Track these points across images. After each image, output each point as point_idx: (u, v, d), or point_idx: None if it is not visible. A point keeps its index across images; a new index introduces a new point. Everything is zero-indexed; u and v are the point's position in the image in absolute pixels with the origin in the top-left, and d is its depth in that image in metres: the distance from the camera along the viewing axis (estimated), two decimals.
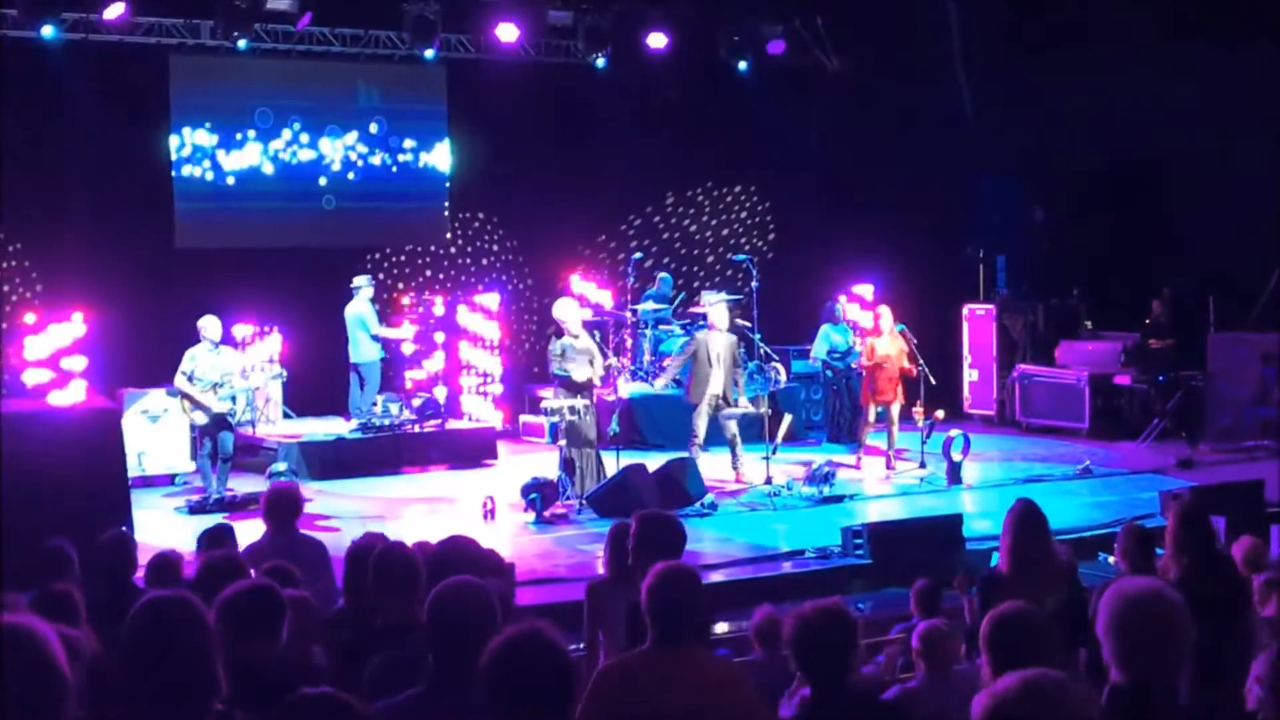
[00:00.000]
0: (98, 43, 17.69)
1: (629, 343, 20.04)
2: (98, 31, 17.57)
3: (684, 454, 15.46)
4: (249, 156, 19.47)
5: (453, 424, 18.19)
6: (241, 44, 18.01)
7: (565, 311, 15.23)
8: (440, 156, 20.85)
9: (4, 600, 5.46)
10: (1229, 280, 18.52)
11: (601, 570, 8.40)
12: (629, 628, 6.34)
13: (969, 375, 20.79)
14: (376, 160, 20.41)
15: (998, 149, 20.58)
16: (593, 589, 7.53)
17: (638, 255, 20.54)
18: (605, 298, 20.25)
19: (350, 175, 20.22)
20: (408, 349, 18.81)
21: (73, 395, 14.52)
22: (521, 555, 12.26)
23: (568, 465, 14.80)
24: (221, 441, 14.94)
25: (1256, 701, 4.72)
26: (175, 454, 16.50)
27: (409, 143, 20.63)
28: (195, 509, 14.55)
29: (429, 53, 19.13)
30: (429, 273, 21.05)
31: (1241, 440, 17.70)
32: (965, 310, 20.81)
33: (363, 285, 17.97)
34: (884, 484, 16.03)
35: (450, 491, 16.05)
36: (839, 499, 14.93)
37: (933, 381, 16.89)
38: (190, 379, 14.78)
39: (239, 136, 19.38)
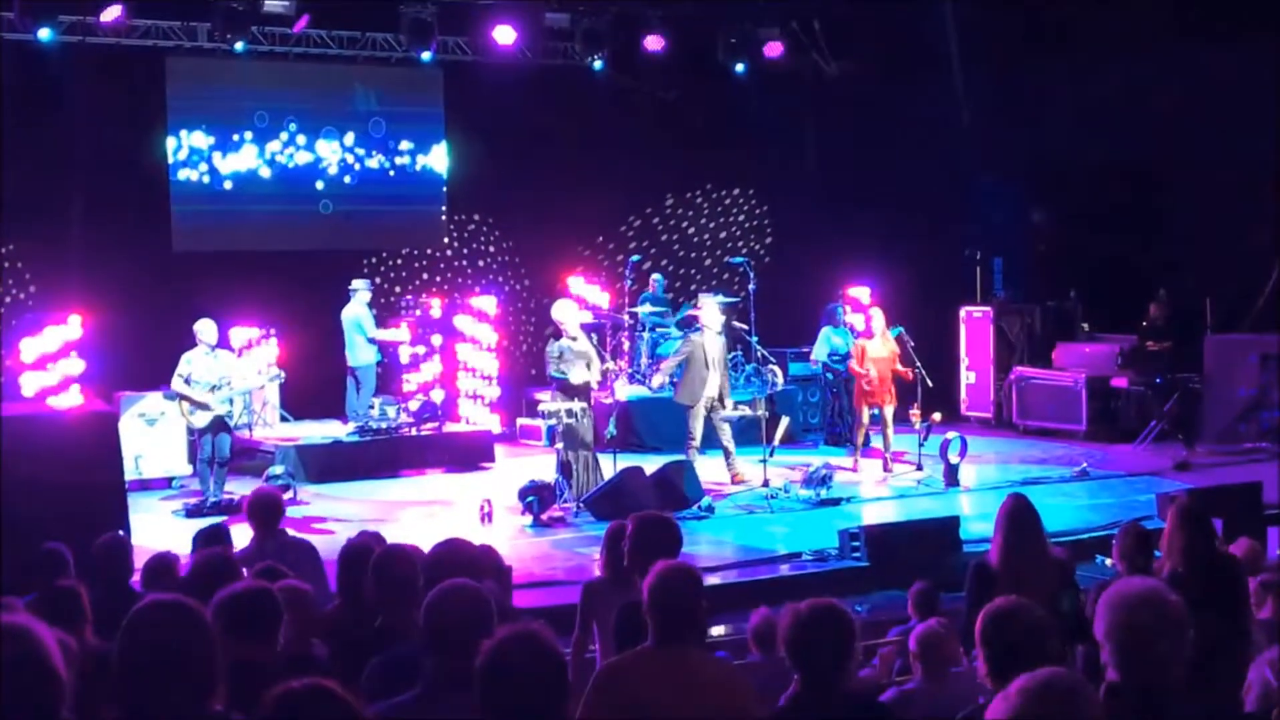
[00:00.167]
0: (95, 45, 17.69)
1: (626, 345, 20.03)
2: (95, 34, 17.57)
3: (681, 457, 15.46)
4: (246, 159, 19.47)
5: (450, 427, 18.19)
6: (238, 46, 18.01)
7: (564, 313, 15.23)
8: (437, 159, 20.85)
9: (1, 602, 5.45)
10: (1226, 282, 18.52)
11: (598, 572, 8.39)
12: (620, 628, 6.34)
13: (966, 377, 20.79)
14: (373, 163, 20.42)
15: (995, 151, 20.59)
16: (588, 589, 7.53)
17: (635, 258, 20.54)
18: (604, 299, 20.25)
19: (347, 178, 20.22)
20: (404, 354, 18.81)
21: (69, 398, 14.54)
22: (519, 558, 12.23)
23: (565, 468, 14.80)
24: (219, 444, 14.92)
25: (1255, 703, 4.71)
26: (172, 457, 16.49)
27: (406, 145, 20.64)
28: (192, 512, 14.53)
29: (426, 55, 19.14)
30: (425, 276, 21.04)
31: (1239, 442, 17.70)
32: (962, 312, 20.81)
33: (360, 288, 17.96)
34: (881, 486, 16.02)
35: (447, 494, 16.04)
36: (836, 501, 14.93)
37: (930, 384, 16.89)
38: (187, 382, 14.78)
39: (236, 138, 19.38)
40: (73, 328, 15.62)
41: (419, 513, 15.06)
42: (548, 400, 15.45)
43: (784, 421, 16.35)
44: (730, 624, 9.88)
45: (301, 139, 19.84)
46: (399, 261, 20.92)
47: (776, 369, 18.69)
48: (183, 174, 19.07)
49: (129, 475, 14.06)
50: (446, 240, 21.26)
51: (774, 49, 20.74)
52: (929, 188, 21.09)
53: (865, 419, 16.71)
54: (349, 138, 20.21)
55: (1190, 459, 16.89)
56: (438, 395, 18.43)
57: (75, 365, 15.78)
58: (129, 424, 15.69)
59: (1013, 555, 7.26)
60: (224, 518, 13.71)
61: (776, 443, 15.92)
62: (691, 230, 23.17)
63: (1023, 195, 21.82)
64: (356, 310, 17.75)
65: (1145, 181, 20.46)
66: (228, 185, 19.33)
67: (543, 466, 15.59)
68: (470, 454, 17.73)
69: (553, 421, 14.91)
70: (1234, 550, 8.28)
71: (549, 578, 11.93)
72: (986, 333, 20.56)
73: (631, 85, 20.75)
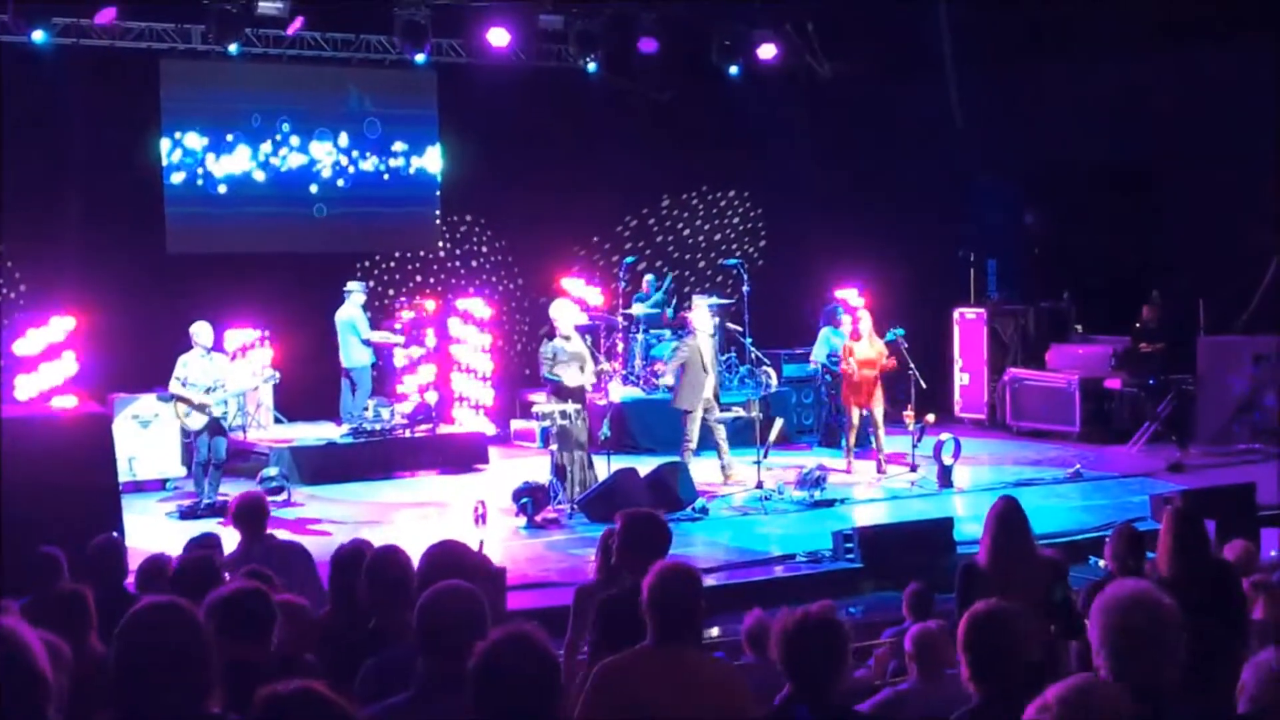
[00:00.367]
0: (89, 47, 17.68)
1: (620, 347, 20.04)
2: (89, 36, 17.56)
3: (675, 458, 15.47)
4: (240, 161, 19.46)
5: (444, 429, 18.18)
6: (232, 48, 17.97)
7: (559, 312, 15.24)
8: (431, 161, 20.85)
9: None
10: (1219, 284, 18.54)
11: (592, 574, 8.38)
12: (599, 623, 6.36)
13: (960, 379, 20.81)
14: (367, 165, 20.41)
15: (989, 153, 20.61)
16: (582, 591, 7.53)
17: (630, 259, 20.55)
18: (599, 299, 20.26)
19: (341, 180, 20.22)
20: (399, 358, 18.79)
21: (63, 400, 14.52)
22: (513, 560, 12.25)
23: (559, 470, 14.80)
24: (215, 446, 14.93)
25: (1248, 704, 4.71)
26: (166, 459, 16.49)
27: (400, 147, 20.63)
28: (186, 514, 14.54)
29: (420, 57, 19.11)
30: (418, 278, 21.03)
31: (1232, 444, 17.73)
32: (956, 314, 20.82)
33: (355, 290, 17.95)
34: (875, 488, 16.02)
35: (441, 496, 16.05)
36: (830, 503, 14.94)
37: (924, 385, 16.91)
38: (183, 385, 14.79)
39: (230, 140, 19.37)
40: (56, 330, 15.60)
41: (413, 514, 15.06)
42: (542, 402, 15.46)
43: (778, 423, 16.35)
44: (724, 625, 9.88)
45: (295, 140, 19.83)
46: (391, 265, 20.91)
47: (770, 370, 18.68)
48: (176, 176, 19.06)
49: (122, 477, 14.06)
50: (441, 243, 21.25)
51: (768, 51, 20.74)
52: (923, 189, 21.13)
53: (855, 420, 16.73)
54: (343, 140, 20.21)
55: (1183, 460, 16.91)
56: (431, 397, 18.42)
57: (67, 367, 15.76)
58: (123, 426, 15.68)
59: (1001, 557, 7.27)
60: (219, 519, 13.78)
61: (771, 443, 15.92)
62: (687, 232, 23.19)
63: (1017, 197, 21.84)
64: (351, 312, 17.75)
65: (1139, 183, 20.50)
66: (222, 188, 19.32)
67: (537, 468, 15.59)
68: (464, 455, 17.73)
69: (547, 423, 14.91)
70: (1228, 551, 8.31)
71: (543, 579, 11.93)
72: (980, 334, 20.57)
73: (626, 87, 20.75)
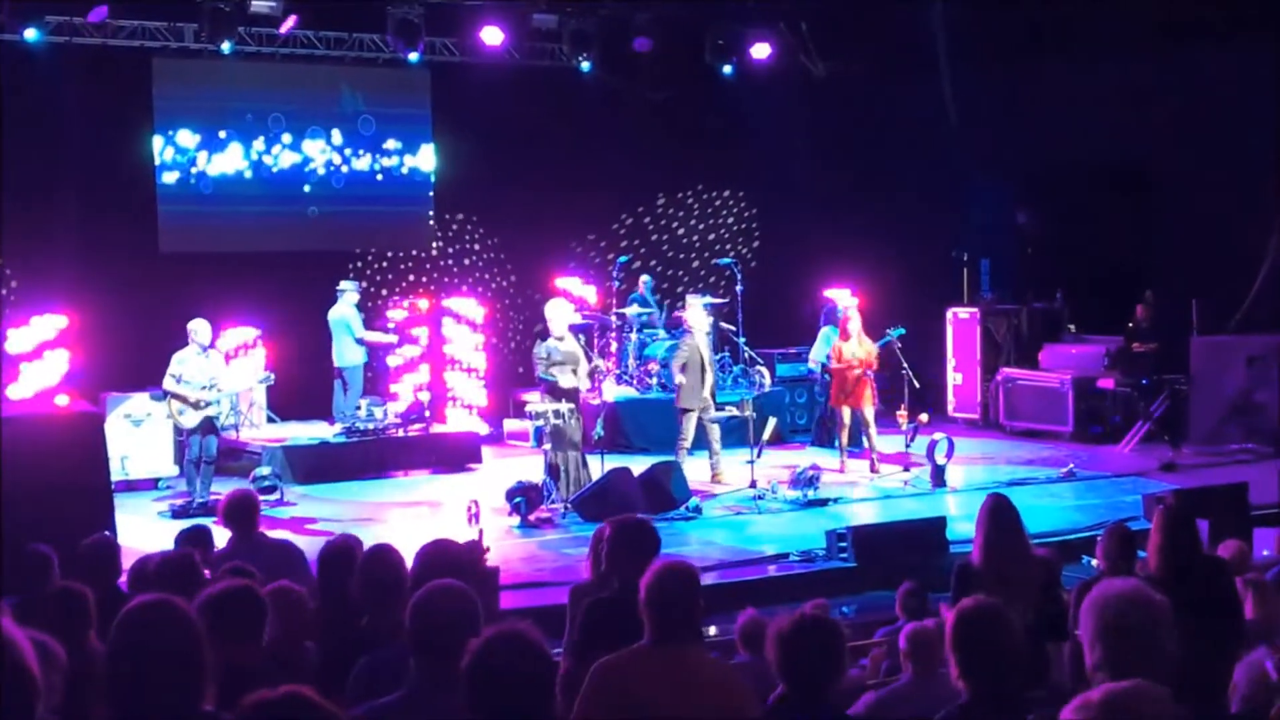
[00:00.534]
0: (81, 46, 17.66)
1: (614, 346, 20.04)
2: (81, 34, 17.54)
3: (669, 458, 15.46)
4: (232, 160, 19.44)
5: (437, 428, 18.17)
6: (225, 47, 17.95)
7: (554, 313, 15.23)
8: (425, 160, 20.85)
9: None
10: (1212, 284, 18.55)
11: (587, 574, 8.38)
12: (585, 625, 6.38)
13: (953, 378, 20.80)
14: (360, 164, 20.40)
15: (982, 153, 20.61)
16: (576, 592, 7.52)
17: (623, 259, 20.55)
18: (589, 293, 20.26)
19: (334, 179, 20.20)
20: (392, 361, 18.78)
21: (55, 399, 14.50)
22: (506, 559, 12.24)
23: (552, 469, 14.79)
24: (206, 445, 14.92)
25: (1240, 704, 4.72)
26: (158, 458, 16.47)
27: (393, 146, 20.63)
28: (179, 513, 14.51)
29: (413, 56, 19.09)
30: (411, 277, 21.02)
31: (1225, 444, 17.74)
32: (949, 313, 20.82)
33: (348, 289, 17.94)
34: (868, 487, 16.03)
35: (435, 495, 16.03)
36: (823, 502, 14.94)
37: (917, 385, 16.92)
38: (179, 382, 14.78)
39: (222, 138, 19.34)
40: (40, 329, 15.59)
41: (406, 514, 15.05)
42: (535, 401, 15.45)
43: (771, 422, 16.37)
44: (718, 625, 9.88)
45: (288, 139, 19.81)
46: (384, 265, 20.89)
47: (764, 370, 18.71)
48: (169, 175, 19.04)
49: (115, 476, 14.03)
50: (435, 242, 21.24)
51: (762, 50, 20.74)
52: (916, 189, 21.14)
53: (846, 419, 16.73)
54: (336, 138, 20.19)
55: (1176, 460, 16.92)
56: (424, 395, 18.41)
57: (56, 366, 15.75)
58: (115, 425, 15.66)
59: (995, 554, 7.28)
60: (211, 518, 13.76)
61: (765, 441, 15.93)
62: (681, 231, 23.21)
63: (1010, 196, 21.85)
64: (344, 311, 17.74)
65: (1132, 183, 20.51)
66: (214, 186, 19.30)
67: (530, 467, 15.59)
68: (457, 455, 17.71)
69: (540, 423, 14.90)
70: (1221, 551, 8.31)
71: (536, 578, 11.92)
72: (973, 334, 20.57)
73: (620, 86, 20.74)
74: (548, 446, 14.84)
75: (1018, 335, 20.57)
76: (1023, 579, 7.22)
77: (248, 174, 19.55)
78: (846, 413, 16.67)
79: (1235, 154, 18.56)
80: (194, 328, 15.04)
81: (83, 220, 17.87)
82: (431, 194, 21.03)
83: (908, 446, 16.51)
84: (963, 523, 12.92)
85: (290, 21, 18.29)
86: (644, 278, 20.78)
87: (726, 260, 19.94)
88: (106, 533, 9.76)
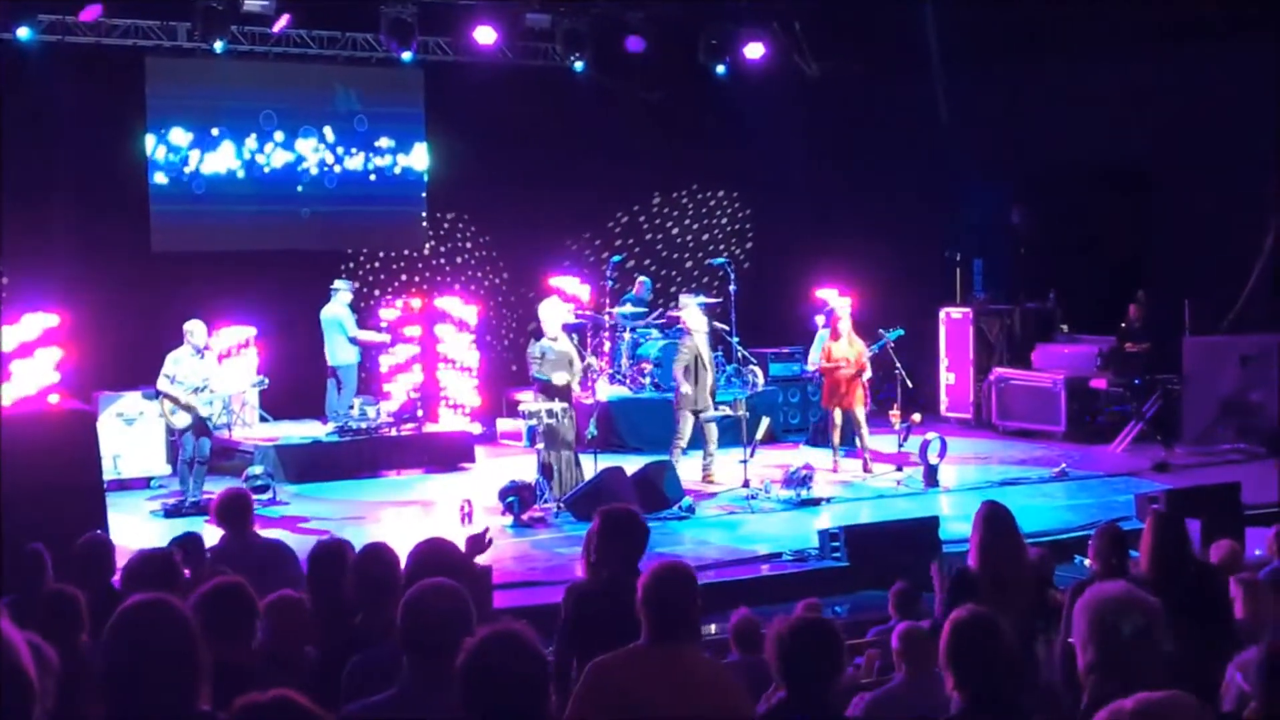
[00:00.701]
0: (74, 45, 17.64)
1: (607, 346, 20.04)
2: (74, 33, 17.52)
3: (662, 457, 15.47)
4: (225, 159, 19.41)
5: (430, 427, 18.16)
6: (218, 46, 17.93)
7: (547, 312, 15.23)
8: (418, 159, 20.83)
9: None
10: (1205, 284, 18.58)
11: (580, 573, 8.38)
12: (572, 615, 6.40)
13: (946, 378, 20.83)
14: (354, 163, 20.37)
15: (975, 153, 20.62)
16: (571, 591, 7.52)
17: (617, 258, 20.55)
18: (584, 292, 20.28)
19: (327, 179, 20.18)
20: (386, 361, 18.76)
21: (47, 398, 14.48)
22: (499, 558, 12.23)
23: (545, 469, 14.79)
24: (199, 445, 14.92)
25: (1232, 703, 4.74)
26: (151, 457, 16.46)
27: (387, 145, 20.61)
28: (171, 512, 14.51)
29: (406, 55, 19.08)
30: (404, 277, 21.01)
31: (1217, 443, 17.77)
32: (942, 313, 20.84)
33: (342, 288, 17.93)
34: (860, 486, 16.03)
35: (428, 494, 16.03)
36: (816, 502, 14.95)
37: (910, 385, 16.94)
38: (172, 382, 14.77)
39: (215, 136, 19.32)
40: (29, 327, 15.57)
41: (399, 513, 15.05)
42: (529, 400, 15.45)
43: (764, 422, 16.37)
44: (711, 624, 9.88)
45: (280, 137, 19.78)
46: (376, 265, 20.87)
47: (757, 369, 18.70)
48: (161, 174, 19.02)
49: (107, 475, 14.01)
50: (429, 241, 21.22)
51: (755, 50, 20.75)
52: (909, 189, 21.16)
53: (838, 420, 16.74)
54: (329, 137, 20.17)
55: (1169, 460, 16.95)
56: (413, 395, 18.40)
57: (44, 365, 15.74)
58: (107, 424, 15.64)
59: (991, 559, 7.29)
60: (204, 518, 13.75)
61: (758, 441, 15.93)
62: (676, 230, 23.21)
63: (1003, 196, 21.86)
64: (337, 310, 17.72)
65: (1125, 183, 20.53)
66: (207, 185, 19.28)
67: (523, 467, 15.58)
68: (450, 454, 17.71)
69: (533, 422, 14.90)
70: (1213, 551, 8.33)
71: (529, 578, 11.93)
72: (966, 334, 20.59)
73: (613, 86, 20.74)
74: (541, 446, 14.84)
75: (1010, 335, 20.59)
76: (1018, 583, 7.23)
77: (240, 173, 19.53)
78: (838, 413, 16.69)
79: (1228, 154, 18.58)
80: (190, 329, 15.03)
81: (75, 219, 17.84)
82: (425, 193, 21.00)
83: (901, 446, 16.52)
84: (955, 523, 12.95)
85: (283, 20, 18.28)
86: (643, 278, 20.77)
87: (720, 260, 19.93)
88: (98, 531, 9.73)
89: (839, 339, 16.65)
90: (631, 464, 15.15)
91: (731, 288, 19.05)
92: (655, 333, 19.78)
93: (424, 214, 21.06)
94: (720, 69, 20.87)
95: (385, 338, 18.55)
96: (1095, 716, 3.63)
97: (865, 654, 8.06)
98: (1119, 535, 7.70)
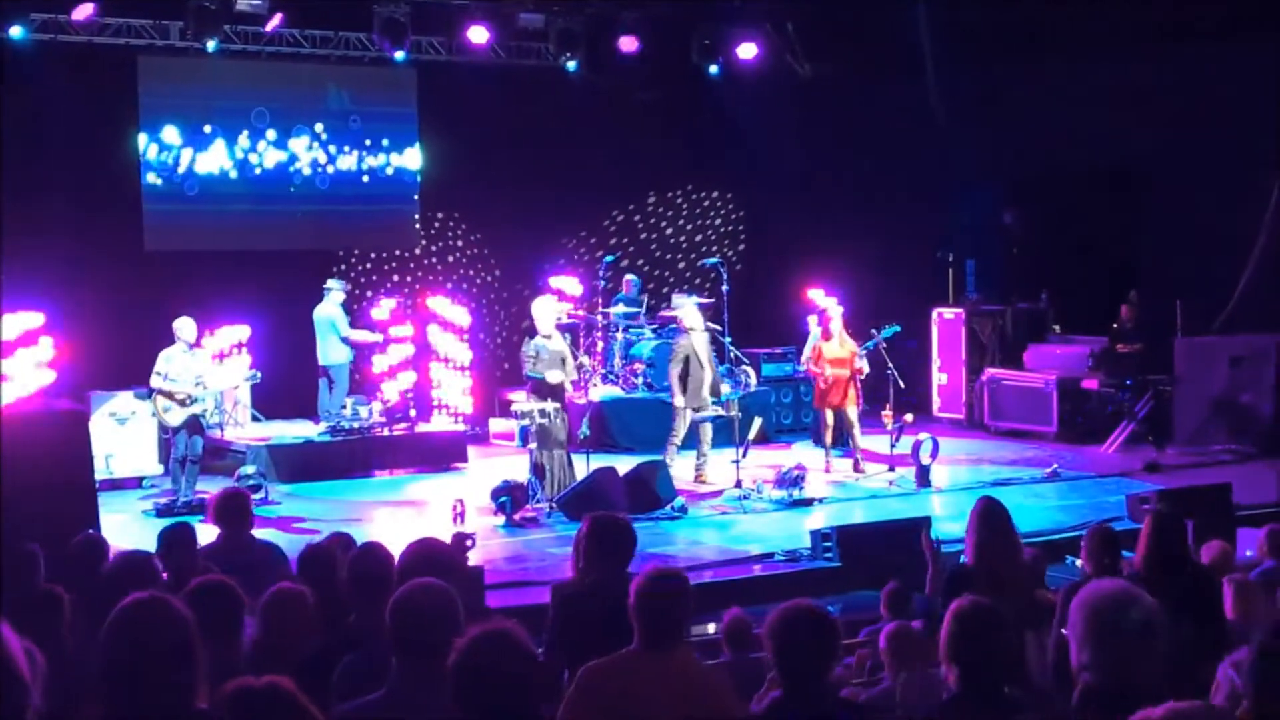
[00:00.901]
0: (66, 44, 17.61)
1: (600, 345, 20.05)
2: (67, 32, 17.50)
3: (654, 457, 15.47)
4: (218, 158, 19.39)
5: (422, 427, 18.15)
6: (211, 45, 17.90)
7: (540, 311, 15.24)
8: (411, 159, 20.81)
9: None
10: (1197, 285, 18.61)
11: (570, 573, 8.39)
12: (558, 618, 6.41)
13: (938, 378, 20.84)
14: (346, 163, 20.35)
15: (968, 153, 20.64)
16: (557, 590, 7.53)
17: (609, 258, 20.56)
18: (577, 289, 20.30)
19: (320, 179, 20.16)
20: (381, 361, 18.76)
21: (39, 397, 14.46)
22: (491, 558, 12.26)
23: (538, 468, 14.80)
24: (192, 444, 14.92)
25: (1224, 701, 4.74)
26: (143, 457, 16.45)
27: (380, 144, 20.58)
28: (163, 512, 14.50)
29: (399, 55, 19.07)
30: (396, 277, 20.99)
31: (1208, 444, 17.79)
32: (934, 314, 20.86)
33: (335, 288, 17.92)
34: (853, 487, 16.04)
35: (420, 494, 16.04)
36: (808, 502, 14.96)
37: (902, 385, 16.95)
38: (165, 380, 14.77)
39: (208, 132, 19.29)
40: (8, 327, 15.56)
41: (391, 513, 15.05)
42: (521, 400, 15.44)
43: (757, 422, 16.39)
44: (704, 624, 9.89)
45: (271, 133, 19.74)
46: (368, 265, 20.86)
47: (750, 370, 18.72)
48: (154, 173, 18.99)
49: (99, 474, 13.99)
50: (422, 241, 21.21)
51: (748, 50, 20.76)
52: (902, 189, 21.17)
53: (830, 420, 16.75)
54: (322, 136, 20.15)
55: (1160, 460, 16.97)
56: (395, 396, 18.40)
57: (34, 362, 15.73)
58: (100, 423, 15.61)
59: (987, 555, 7.30)
60: (199, 518, 13.74)
61: (750, 441, 15.94)
62: (670, 231, 23.22)
63: (996, 197, 21.89)
64: (330, 310, 17.71)
65: (1118, 184, 20.55)
66: (199, 185, 19.25)
67: (515, 467, 15.58)
68: (443, 454, 17.71)
69: (526, 422, 14.90)
70: (1205, 551, 8.36)
71: (521, 578, 11.93)
72: (958, 334, 20.60)
73: (606, 86, 20.74)
74: (533, 446, 14.85)
75: (1003, 335, 20.61)
76: (1014, 580, 7.25)
77: (233, 173, 19.50)
78: (830, 413, 16.70)
79: (1219, 156, 18.61)
80: (179, 326, 15.03)
81: (68, 218, 17.79)
82: (418, 194, 20.99)
83: (893, 447, 16.53)
84: (948, 522, 12.96)
85: (276, 20, 18.27)
86: (630, 277, 20.78)
87: (713, 260, 19.96)
88: (91, 531, 9.73)
89: (830, 339, 16.66)
90: (624, 464, 15.15)
91: (724, 288, 19.06)
92: (648, 332, 19.79)
93: (417, 215, 21.03)
94: (713, 69, 20.89)
95: (378, 337, 18.54)
96: None
97: (856, 654, 8.07)
98: (1111, 536, 7.72)
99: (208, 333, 17.51)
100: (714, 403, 16.16)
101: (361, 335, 18.18)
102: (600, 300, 20.06)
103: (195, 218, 19.17)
